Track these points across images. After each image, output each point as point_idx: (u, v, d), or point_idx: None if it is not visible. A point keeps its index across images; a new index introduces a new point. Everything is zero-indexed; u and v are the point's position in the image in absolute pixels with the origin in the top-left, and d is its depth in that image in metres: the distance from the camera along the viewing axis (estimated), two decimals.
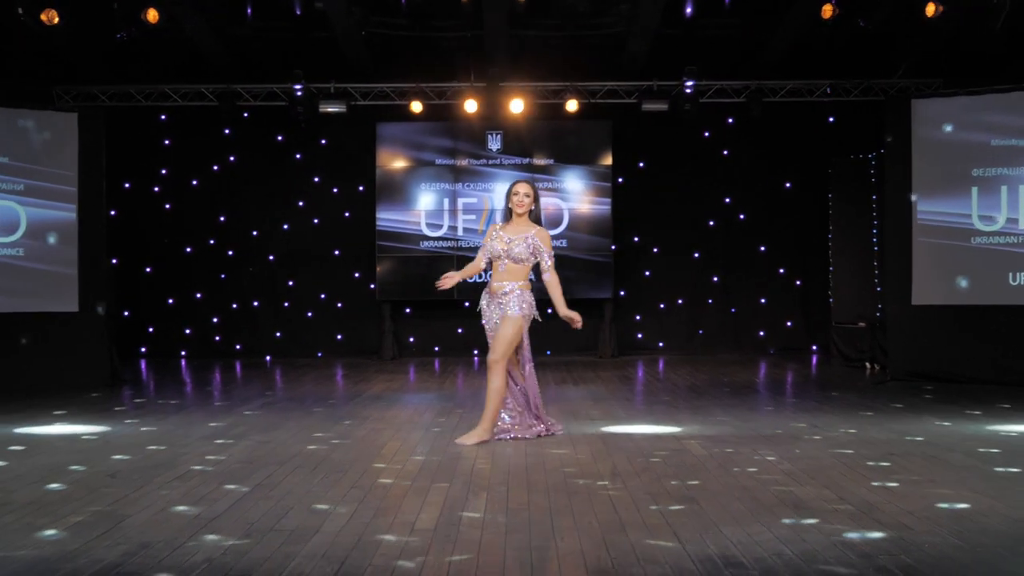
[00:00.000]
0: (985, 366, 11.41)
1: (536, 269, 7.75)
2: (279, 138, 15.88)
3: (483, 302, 7.76)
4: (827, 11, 11.47)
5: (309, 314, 16.03)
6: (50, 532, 4.97)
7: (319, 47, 14.07)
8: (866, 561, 4.39)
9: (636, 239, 15.99)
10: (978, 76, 12.53)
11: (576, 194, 15.40)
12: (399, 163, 15.46)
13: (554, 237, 15.22)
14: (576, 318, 7.55)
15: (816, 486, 5.90)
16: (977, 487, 5.88)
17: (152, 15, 11.34)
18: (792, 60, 14.26)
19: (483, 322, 7.76)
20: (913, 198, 11.83)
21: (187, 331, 15.91)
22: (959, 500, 5.54)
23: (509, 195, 7.80)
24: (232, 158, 15.93)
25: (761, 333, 16.04)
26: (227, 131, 15.74)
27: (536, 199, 7.80)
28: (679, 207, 15.91)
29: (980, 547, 4.61)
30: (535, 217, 7.78)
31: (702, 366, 14.04)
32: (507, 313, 7.56)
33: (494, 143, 15.40)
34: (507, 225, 7.77)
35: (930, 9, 11.11)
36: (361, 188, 15.83)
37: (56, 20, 11.24)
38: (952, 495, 5.66)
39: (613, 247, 15.45)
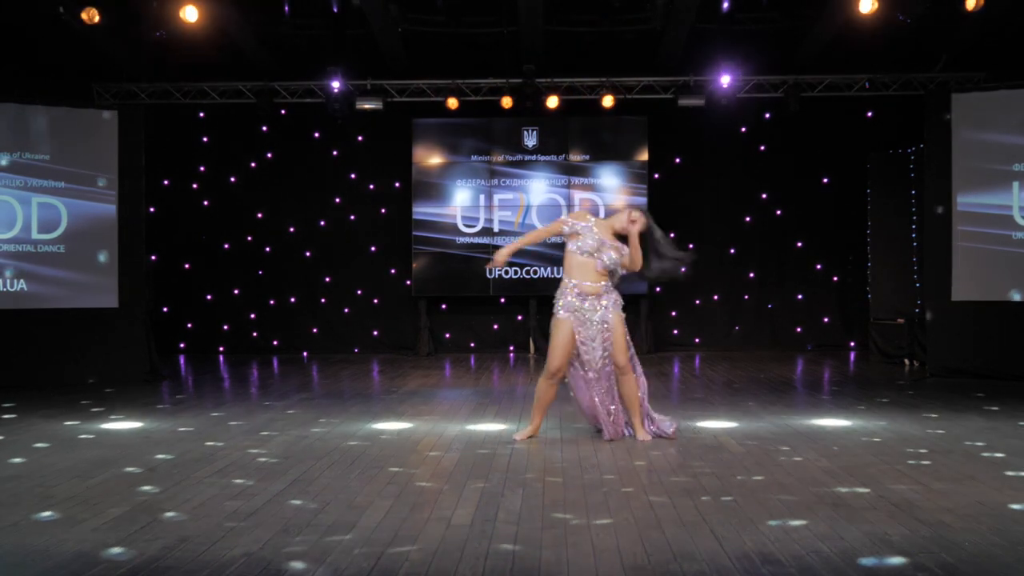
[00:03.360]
0: None
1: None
2: (316, 135, 15.97)
3: (573, 302, 7.33)
4: (866, 5, 11.36)
5: (346, 310, 16.11)
6: (91, 526, 5.03)
7: (356, 44, 14.11)
8: (905, 558, 4.35)
9: (672, 235, 15.79)
10: (1020, 69, 12.36)
11: (612, 190, 15.36)
12: (435, 159, 15.49)
13: None
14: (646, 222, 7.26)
15: (854, 483, 5.86)
16: (1018, 485, 5.81)
17: (191, 13, 11.41)
18: (830, 54, 14.13)
19: (573, 322, 7.30)
20: (953, 193, 11.71)
21: (225, 327, 16.03)
22: (999, 498, 5.48)
23: (623, 215, 7.33)
24: (269, 155, 16.04)
25: (798, 329, 15.94)
26: (265, 128, 15.85)
27: (649, 228, 7.34)
28: (715, 203, 15.84)
29: (1021, 545, 4.56)
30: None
31: (739, 362, 13.97)
32: (617, 312, 7.37)
33: (530, 139, 15.40)
34: (599, 221, 7.41)
35: (970, 2, 10.98)
36: (397, 185, 15.89)
37: (96, 19, 11.35)
38: (992, 493, 5.60)
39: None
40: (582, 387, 7.50)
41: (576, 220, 7.42)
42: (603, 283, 7.40)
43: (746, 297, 16.00)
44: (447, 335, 16.08)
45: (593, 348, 7.34)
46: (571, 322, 7.34)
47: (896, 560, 4.33)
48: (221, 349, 16.00)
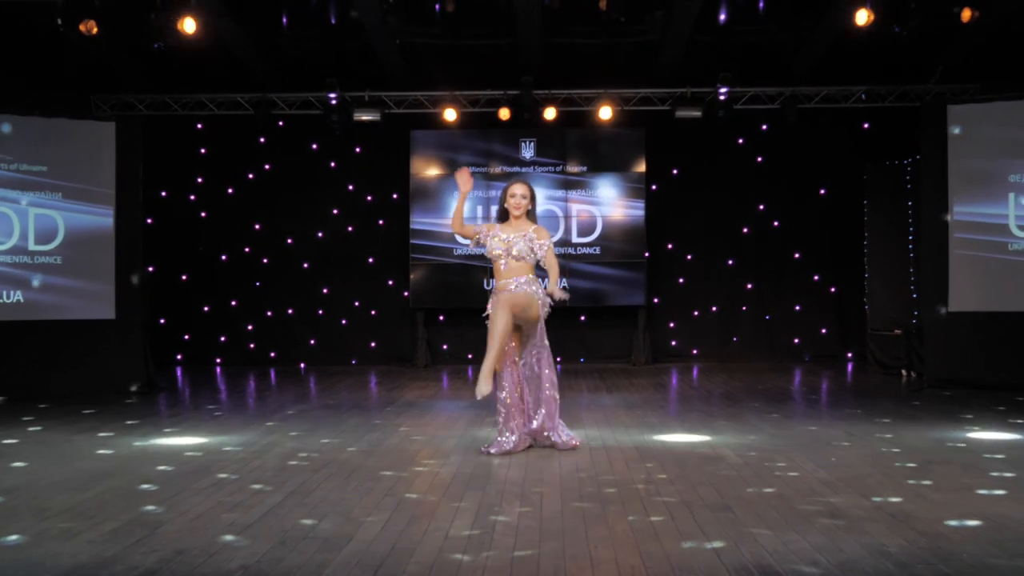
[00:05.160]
0: (1022, 373, 11.28)
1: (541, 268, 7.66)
2: (314, 146, 15.96)
3: (491, 307, 7.61)
4: (862, 17, 11.39)
5: (343, 322, 16.09)
6: (87, 538, 5.02)
7: (354, 56, 14.13)
8: (903, 570, 4.35)
9: (670, 246, 15.93)
10: (1015, 81, 12.40)
11: (609, 201, 15.37)
12: (433, 171, 15.50)
13: (588, 245, 15.27)
14: (559, 296, 7.43)
15: (852, 494, 5.85)
16: (1016, 495, 5.81)
17: (189, 25, 11.42)
18: (826, 66, 14.17)
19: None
20: (950, 204, 11.73)
21: (222, 339, 16.00)
22: (997, 508, 5.47)
23: (505, 196, 7.69)
24: (267, 166, 16.03)
25: (796, 340, 15.92)
26: (262, 140, 15.84)
27: (532, 198, 7.69)
28: (713, 214, 15.84)
29: (1019, 556, 4.56)
30: (532, 217, 7.71)
31: (736, 373, 13.96)
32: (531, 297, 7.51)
33: (527, 151, 15.41)
34: (505, 225, 7.69)
35: (966, 14, 11.01)
36: (395, 196, 15.88)
37: (95, 30, 11.36)
38: (990, 503, 5.60)
39: (647, 254, 15.41)
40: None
41: (484, 230, 7.74)
42: (518, 278, 7.55)
43: (744, 308, 15.99)
44: (445, 347, 16.06)
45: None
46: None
47: (893, 570, 4.33)
48: (218, 361, 15.97)
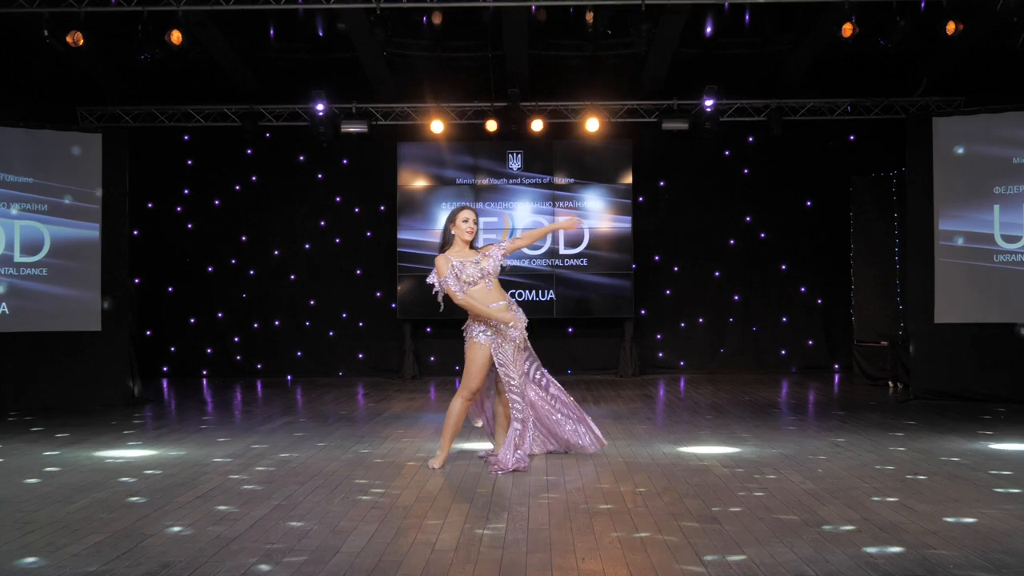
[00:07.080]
0: (1009, 385, 11.33)
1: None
2: (301, 158, 15.95)
3: (487, 332, 7.25)
4: (847, 30, 11.45)
5: (330, 333, 16.06)
6: (71, 552, 4.99)
7: (341, 68, 14.15)
8: None
9: (657, 258, 15.96)
10: (999, 94, 12.48)
11: (596, 213, 15.39)
12: (420, 182, 15.50)
13: (575, 256, 15.31)
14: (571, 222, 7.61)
15: (839, 506, 5.86)
16: (1002, 507, 5.82)
17: (176, 37, 11.41)
18: (812, 79, 14.25)
19: (497, 350, 7.23)
20: (935, 216, 11.78)
21: (208, 350, 15.96)
22: (983, 520, 5.49)
23: (456, 221, 7.31)
24: (254, 178, 16.01)
25: (783, 352, 15.96)
26: (249, 151, 15.83)
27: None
28: (700, 226, 15.88)
29: (1005, 567, 4.57)
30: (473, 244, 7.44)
31: (723, 385, 13.98)
32: (523, 331, 7.42)
33: (515, 162, 15.43)
34: (456, 252, 7.29)
35: (950, 28, 11.08)
36: (382, 207, 15.88)
37: (81, 42, 11.34)
38: (976, 515, 5.61)
39: (634, 266, 15.43)
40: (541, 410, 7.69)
41: (451, 265, 7.24)
42: (507, 300, 7.38)
43: (731, 320, 16.02)
44: (432, 358, 16.04)
45: (519, 363, 7.42)
46: (490, 345, 7.29)
47: None
48: (204, 373, 15.93)
